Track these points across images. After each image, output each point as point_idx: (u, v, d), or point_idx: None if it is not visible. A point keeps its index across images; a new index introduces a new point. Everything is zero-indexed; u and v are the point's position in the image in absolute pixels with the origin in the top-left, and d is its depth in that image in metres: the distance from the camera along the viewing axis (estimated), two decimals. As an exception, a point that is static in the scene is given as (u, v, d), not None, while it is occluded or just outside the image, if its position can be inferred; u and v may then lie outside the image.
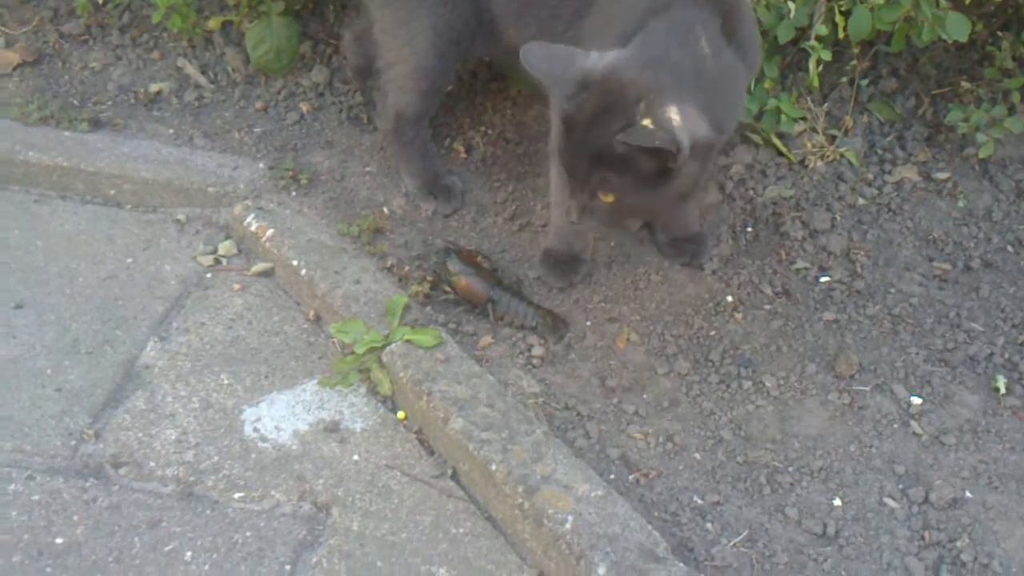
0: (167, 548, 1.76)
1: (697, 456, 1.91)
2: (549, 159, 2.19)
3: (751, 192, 2.46)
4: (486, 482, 1.83)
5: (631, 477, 1.86)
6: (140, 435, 1.95)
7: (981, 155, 2.48)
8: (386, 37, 2.37)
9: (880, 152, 2.56)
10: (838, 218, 2.40)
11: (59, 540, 1.77)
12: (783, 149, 2.52)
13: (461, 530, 1.82)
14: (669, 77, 1.79)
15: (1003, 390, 2.00)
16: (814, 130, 2.54)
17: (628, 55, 1.83)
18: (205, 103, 2.76)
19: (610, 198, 1.86)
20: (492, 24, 2.26)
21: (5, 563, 1.72)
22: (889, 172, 2.52)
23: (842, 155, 2.52)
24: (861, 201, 2.44)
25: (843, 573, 1.71)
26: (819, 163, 2.50)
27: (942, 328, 2.15)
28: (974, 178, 2.52)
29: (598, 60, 1.82)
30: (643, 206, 1.97)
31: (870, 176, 2.50)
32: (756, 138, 2.53)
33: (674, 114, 1.75)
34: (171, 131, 2.67)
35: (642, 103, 1.76)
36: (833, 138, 2.55)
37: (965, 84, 2.58)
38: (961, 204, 2.45)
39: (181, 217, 2.48)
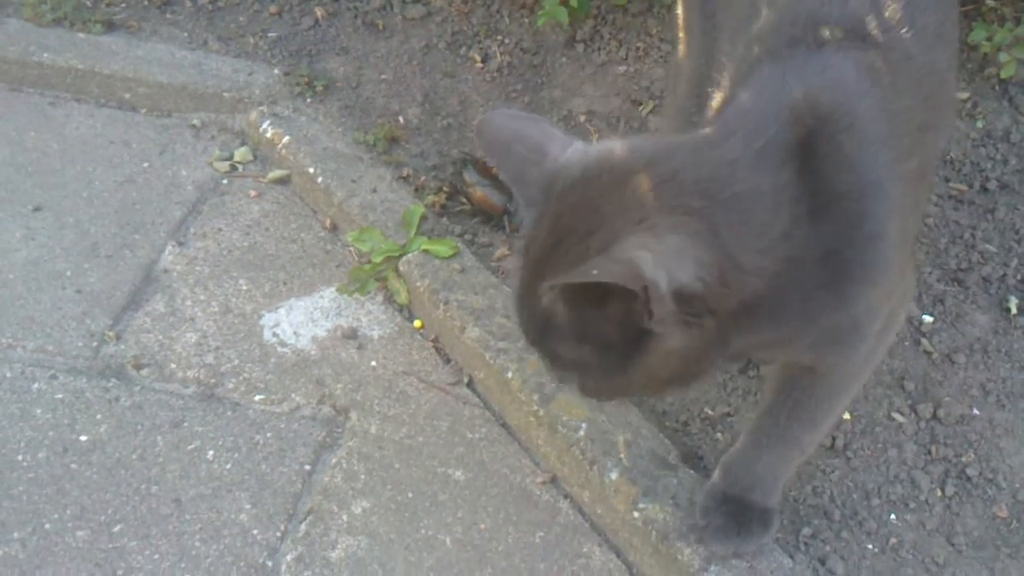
0: (190, 447, 1.80)
1: (709, 369, 1.93)
2: None
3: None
4: (502, 390, 1.86)
5: (644, 388, 1.89)
6: (161, 338, 1.98)
7: (1003, 75, 2.44)
8: None
9: (901, 70, 2.54)
10: (856, 136, 2.38)
11: (83, 438, 1.81)
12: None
13: (477, 435, 1.85)
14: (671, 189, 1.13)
15: (1014, 310, 2.02)
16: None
17: (628, 148, 1.19)
18: (219, 6, 2.73)
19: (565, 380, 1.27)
20: None
21: (31, 459, 1.76)
22: (909, 91, 2.50)
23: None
24: (880, 119, 2.42)
25: (850, 485, 1.75)
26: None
27: (956, 248, 2.16)
28: (994, 99, 2.50)
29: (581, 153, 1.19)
30: (611, 392, 1.28)
31: (890, 94, 2.48)
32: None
33: (647, 246, 1.08)
34: (185, 34, 2.64)
35: (605, 227, 1.11)
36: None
37: (989, 2, 2.54)
38: (980, 125, 2.43)
39: (196, 122, 2.47)
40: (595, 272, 1.04)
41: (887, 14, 1.31)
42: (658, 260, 1.06)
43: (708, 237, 1.10)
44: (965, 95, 2.48)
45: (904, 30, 1.30)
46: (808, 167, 1.16)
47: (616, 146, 1.20)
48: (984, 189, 2.30)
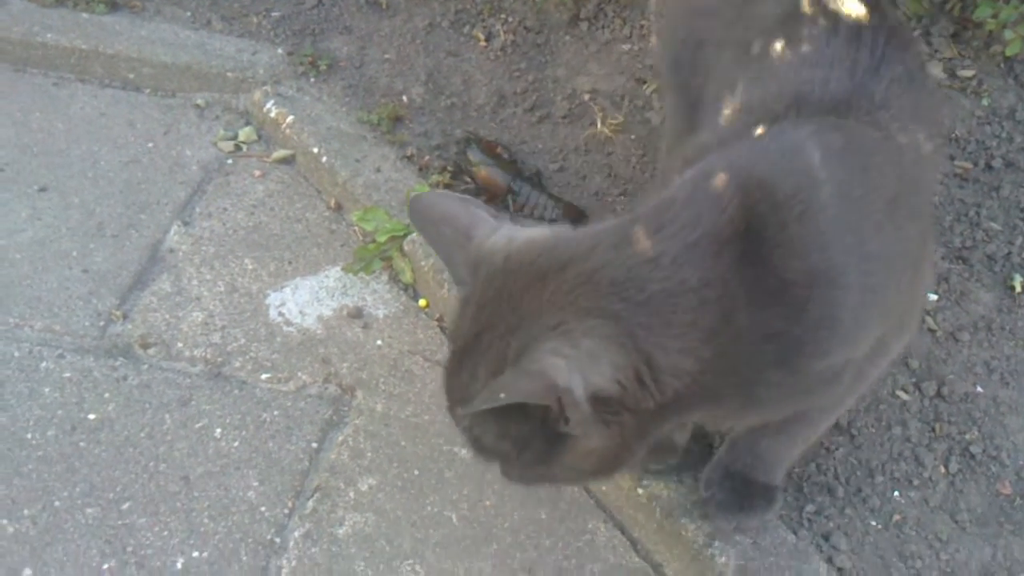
0: (197, 425, 1.81)
1: (714, 347, 1.93)
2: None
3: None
4: (507, 368, 1.87)
5: (649, 366, 1.90)
6: (167, 317, 1.99)
7: (1008, 53, 2.43)
8: None
9: (906, 48, 2.53)
10: (861, 114, 2.38)
11: (91, 416, 1.82)
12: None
13: (482, 414, 1.86)
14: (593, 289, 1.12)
15: (1019, 288, 2.02)
16: (840, 24, 2.50)
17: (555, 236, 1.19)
18: (222, -14, 2.72)
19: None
20: None
21: (40, 437, 1.77)
22: (914, 69, 2.49)
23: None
24: (885, 98, 2.42)
25: (854, 462, 1.76)
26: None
27: (961, 226, 2.16)
28: (999, 76, 2.49)
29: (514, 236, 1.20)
30: (534, 480, 1.30)
31: (895, 72, 2.47)
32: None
33: (561, 352, 1.08)
34: (188, 14, 2.64)
35: (524, 327, 1.11)
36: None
37: (996, -21, 2.52)
38: (985, 103, 2.43)
39: (200, 102, 2.47)
40: (502, 396, 1.04)
41: (867, 97, 1.31)
42: (572, 365, 1.07)
43: (623, 340, 1.10)
44: (970, 73, 2.48)
45: (883, 111, 1.31)
46: (755, 256, 1.15)
47: (539, 237, 1.19)
48: (989, 167, 2.29)
